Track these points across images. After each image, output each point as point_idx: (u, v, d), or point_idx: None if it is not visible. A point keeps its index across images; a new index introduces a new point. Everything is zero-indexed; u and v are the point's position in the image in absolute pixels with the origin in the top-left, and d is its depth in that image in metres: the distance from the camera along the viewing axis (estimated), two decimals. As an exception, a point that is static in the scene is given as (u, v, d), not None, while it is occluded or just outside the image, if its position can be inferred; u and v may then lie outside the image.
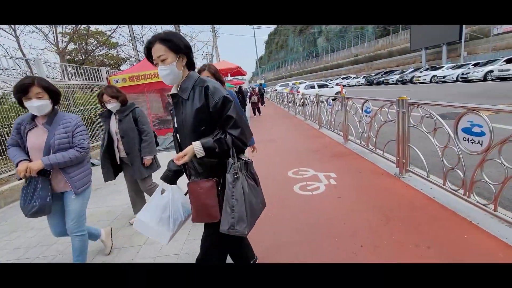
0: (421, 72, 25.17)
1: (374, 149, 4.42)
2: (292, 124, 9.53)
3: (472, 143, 2.39)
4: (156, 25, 14.28)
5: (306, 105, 9.63)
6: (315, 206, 2.99)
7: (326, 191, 3.36)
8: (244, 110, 15.37)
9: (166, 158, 2.42)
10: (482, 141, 2.29)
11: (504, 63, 17.91)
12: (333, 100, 6.65)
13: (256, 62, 58.47)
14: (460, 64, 22.59)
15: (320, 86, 18.34)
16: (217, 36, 35.33)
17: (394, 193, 3.09)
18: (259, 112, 14.35)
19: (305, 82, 28.04)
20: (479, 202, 2.40)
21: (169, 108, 3.13)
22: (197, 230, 2.63)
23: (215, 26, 34.21)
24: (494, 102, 8.49)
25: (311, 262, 2.03)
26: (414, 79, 24.49)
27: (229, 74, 13.40)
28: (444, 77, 21.15)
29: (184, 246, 2.46)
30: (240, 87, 16.84)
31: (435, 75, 22.46)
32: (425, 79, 23.14)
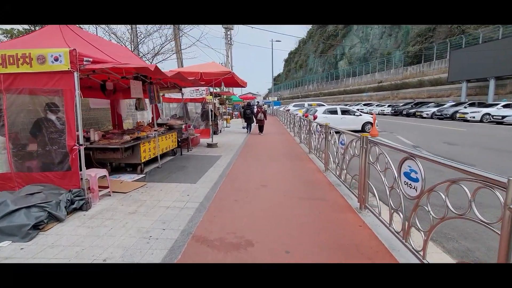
0: (465, 107, 20.73)
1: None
2: (300, 177, 5.34)
3: (410, 187, 2.35)
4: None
5: (327, 140, 5.49)
6: None
7: None
8: (250, 128, 14.03)
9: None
10: (416, 187, 2.24)
11: None
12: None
13: (272, 78, 55.44)
14: (520, 103, 18.03)
15: (344, 112, 14.18)
16: (231, 44, 32.38)
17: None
18: (261, 130, 13.36)
19: (323, 105, 24.10)
20: (413, 248, 2.27)
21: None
22: None
23: (229, 33, 31.27)
24: None
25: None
26: (458, 115, 20.03)
27: (222, 84, 9.53)
28: (503, 117, 16.61)
29: None
30: (249, 102, 16.02)
31: (488, 114, 17.96)
32: (474, 117, 18.63)
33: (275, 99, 50.40)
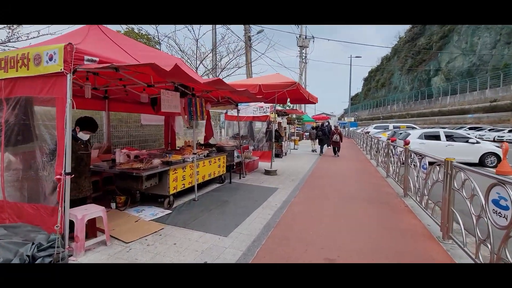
0: None
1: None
2: (399, 248, 3.18)
3: (500, 216, 2.08)
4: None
5: (450, 187, 3.20)
6: None
7: None
8: (321, 149, 13.42)
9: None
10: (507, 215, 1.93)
11: None
12: None
13: (349, 97, 51.39)
14: None
15: (450, 137, 10.63)
16: (305, 63, 31.18)
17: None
18: (337, 152, 12.41)
19: (414, 128, 19.93)
20: None
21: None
22: None
23: (304, 51, 30.20)
24: None
25: None
26: None
27: (288, 101, 8.07)
28: None
29: None
30: (323, 123, 14.82)
31: None
32: None
33: (352, 119, 46.12)
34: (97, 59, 2.85)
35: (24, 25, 4.82)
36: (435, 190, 3.84)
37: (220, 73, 10.85)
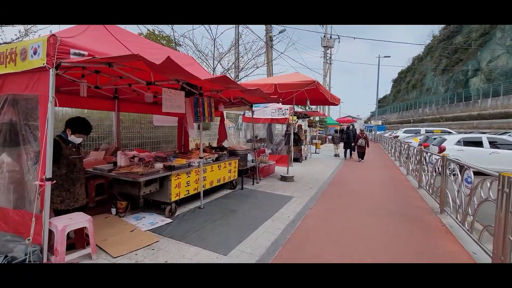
0: None
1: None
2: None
3: None
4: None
5: (507, 210, 2.53)
6: None
7: None
8: (349, 152, 12.85)
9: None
10: None
11: None
12: None
13: (377, 99, 48.96)
14: None
15: (494, 144, 9.38)
16: (330, 64, 30.11)
17: None
18: (362, 157, 11.83)
19: (449, 132, 18.34)
20: None
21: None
22: None
23: (329, 52, 29.17)
24: None
25: None
26: None
27: (308, 102, 7.51)
28: None
29: None
30: (348, 126, 13.91)
31: None
32: None
33: (379, 123, 43.82)
34: (86, 53, 2.58)
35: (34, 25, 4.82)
36: (482, 207, 3.13)
37: (238, 73, 10.56)
